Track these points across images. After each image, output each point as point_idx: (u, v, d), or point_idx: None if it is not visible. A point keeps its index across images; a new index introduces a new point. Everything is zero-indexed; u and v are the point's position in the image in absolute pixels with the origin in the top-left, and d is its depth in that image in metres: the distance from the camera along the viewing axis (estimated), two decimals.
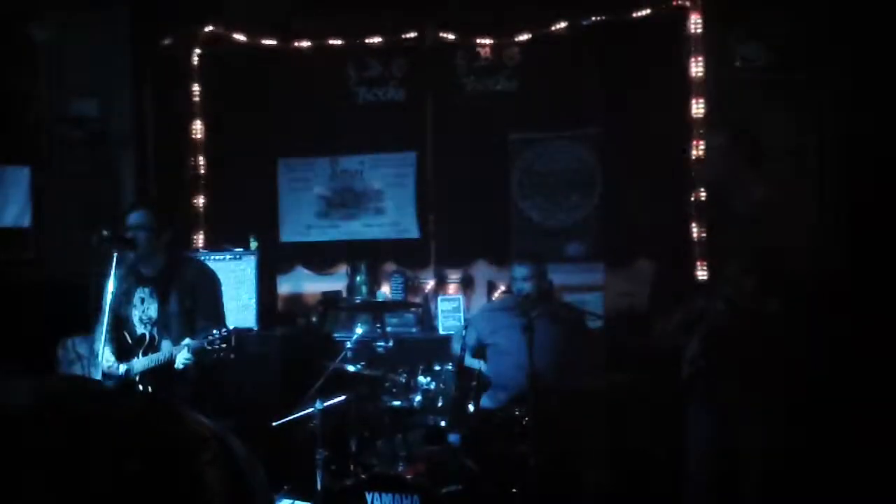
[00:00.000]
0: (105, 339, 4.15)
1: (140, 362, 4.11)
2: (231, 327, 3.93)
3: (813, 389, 4.31)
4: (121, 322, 4.22)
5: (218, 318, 4.22)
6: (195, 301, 4.23)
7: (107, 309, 3.95)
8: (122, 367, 4.10)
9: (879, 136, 4.98)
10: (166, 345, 4.12)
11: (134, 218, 4.17)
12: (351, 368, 4.59)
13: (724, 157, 4.01)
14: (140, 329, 4.20)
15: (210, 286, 4.32)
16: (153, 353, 4.12)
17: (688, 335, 4.03)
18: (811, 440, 4.26)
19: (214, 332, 3.88)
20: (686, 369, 4.01)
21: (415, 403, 4.36)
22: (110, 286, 4.00)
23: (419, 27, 6.21)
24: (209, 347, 3.88)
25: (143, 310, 4.23)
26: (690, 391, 4.07)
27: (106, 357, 4.13)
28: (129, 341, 4.20)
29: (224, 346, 3.87)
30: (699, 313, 4.01)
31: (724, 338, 3.85)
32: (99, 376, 4.03)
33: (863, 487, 4.20)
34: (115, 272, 4.00)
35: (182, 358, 3.94)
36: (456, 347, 5.01)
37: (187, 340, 3.94)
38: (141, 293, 4.23)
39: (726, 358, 3.85)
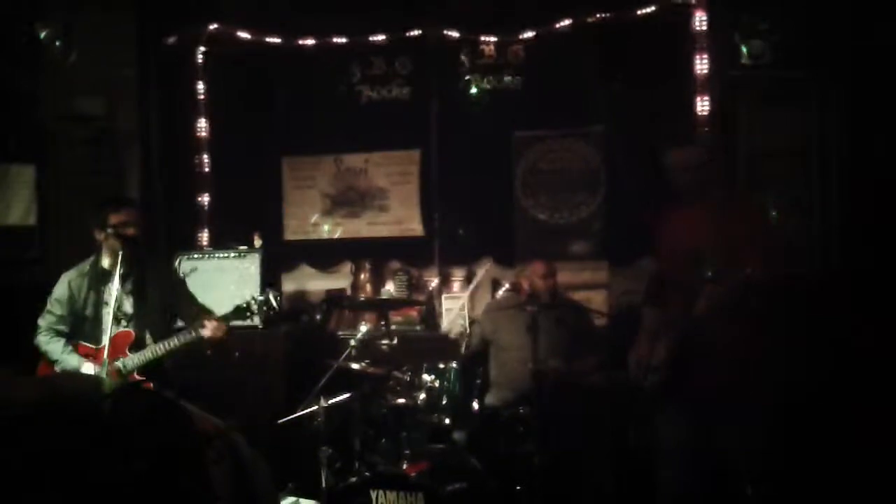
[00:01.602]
0: (62, 340, 4.18)
1: (132, 360, 4.10)
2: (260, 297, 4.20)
3: (811, 391, 4.28)
4: (82, 320, 4.20)
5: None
6: (174, 296, 4.31)
7: (112, 306, 3.97)
8: (119, 364, 4.09)
9: (885, 137, 4.96)
10: (149, 339, 4.15)
11: (121, 215, 4.19)
12: (355, 366, 4.59)
13: (704, 172, 3.95)
14: (113, 326, 4.10)
15: (184, 284, 4.47)
16: (138, 349, 4.13)
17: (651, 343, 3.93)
18: (807, 441, 4.24)
19: (253, 297, 4.18)
20: (650, 377, 3.90)
21: (419, 401, 4.37)
22: (116, 283, 4.02)
23: (423, 25, 6.21)
24: (256, 310, 4.13)
25: (118, 306, 4.17)
26: (659, 398, 3.97)
27: (74, 360, 4.11)
28: (93, 339, 4.16)
29: (268, 309, 4.18)
30: (662, 323, 3.92)
31: (698, 342, 3.75)
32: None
33: (861, 489, 4.18)
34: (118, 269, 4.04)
35: (217, 330, 4.08)
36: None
37: (218, 315, 4.12)
38: (112, 288, 4.18)
39: (701, 362, 3.74)
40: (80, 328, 4.21)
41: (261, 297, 4.23)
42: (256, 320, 4.14)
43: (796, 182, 5.43)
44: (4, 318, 4.68)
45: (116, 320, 4.14)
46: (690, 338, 3.74)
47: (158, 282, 4.29)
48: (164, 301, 4.26)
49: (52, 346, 4.19)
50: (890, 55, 4.94)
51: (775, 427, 3.89)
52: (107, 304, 4.17)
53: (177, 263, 5.77)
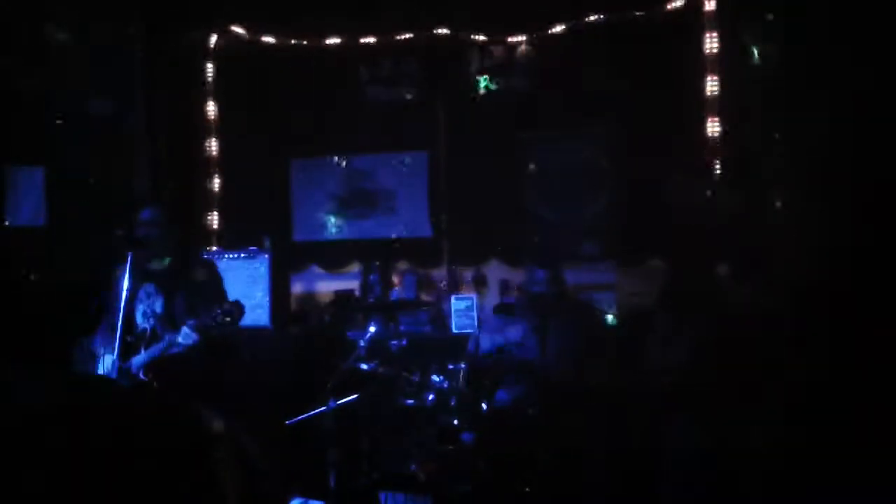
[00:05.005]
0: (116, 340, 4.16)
1: (140, 357, 4.11)
2: (231, 301, 3.97)
3: (815, 391, 4.25)
4: (112, 313, 4.15)
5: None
6: (202, 298, 4.27)
7: (122, 308, 3.97)
8: (134, 361, 4.10)
9: (890, 138, 4.93)
10: (168, 338, 4.15)
11: (146, 214, 4.25)
12: (364, 367, 4.59)
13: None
14: (142, 323, 4.20)
15: (217, 284, 4.40)
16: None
17: (670, 344, 3.94)
18: (811, 442, 4.21)
19: (217, 308, 3.92)
20: (667, 377, 3.91)
21: (427, 402, 4.36)
22: (125, 285, 4.03)
23: (431, 26, 6.21)
24: (213, 323, 3.91)
25: (149, 304, 4.24)
26: (674, 398, 3.97)
27: (110, 357, 4.11)
28: (132, 337, 4.18)
29: (228, 319, 3.91)
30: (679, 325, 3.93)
31: (715, 344, 3.75)
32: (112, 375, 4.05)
33: (863, 489, 4.14)
34: (128, 271, 4.04)
35: (183, 336, 3.92)
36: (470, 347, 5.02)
37: (189, 321, 3.95)
38: (147, 288, 4.26)
39: (718, 363, 3.75)
40: (109, 320, 4.22)
41: (226, 306, 3.99)
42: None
43: (800, 183, 5.41)
44: (14, 319, 4.69)
45: (145, 316, 4.21)
46: (708, 340, 3.75)
47: (187, 284, 4.29)
48: (189, 303, 4.22)
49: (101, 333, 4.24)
50: (893, 56, 4.91)
51: (786, 429, 3.88)
52: (140, 300, 4.23)
53: None
